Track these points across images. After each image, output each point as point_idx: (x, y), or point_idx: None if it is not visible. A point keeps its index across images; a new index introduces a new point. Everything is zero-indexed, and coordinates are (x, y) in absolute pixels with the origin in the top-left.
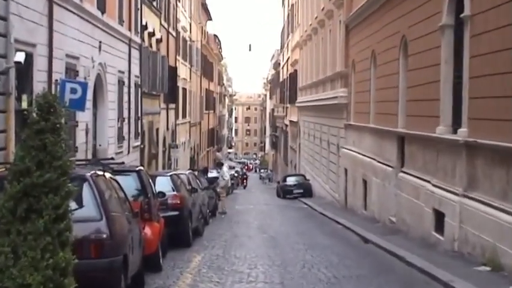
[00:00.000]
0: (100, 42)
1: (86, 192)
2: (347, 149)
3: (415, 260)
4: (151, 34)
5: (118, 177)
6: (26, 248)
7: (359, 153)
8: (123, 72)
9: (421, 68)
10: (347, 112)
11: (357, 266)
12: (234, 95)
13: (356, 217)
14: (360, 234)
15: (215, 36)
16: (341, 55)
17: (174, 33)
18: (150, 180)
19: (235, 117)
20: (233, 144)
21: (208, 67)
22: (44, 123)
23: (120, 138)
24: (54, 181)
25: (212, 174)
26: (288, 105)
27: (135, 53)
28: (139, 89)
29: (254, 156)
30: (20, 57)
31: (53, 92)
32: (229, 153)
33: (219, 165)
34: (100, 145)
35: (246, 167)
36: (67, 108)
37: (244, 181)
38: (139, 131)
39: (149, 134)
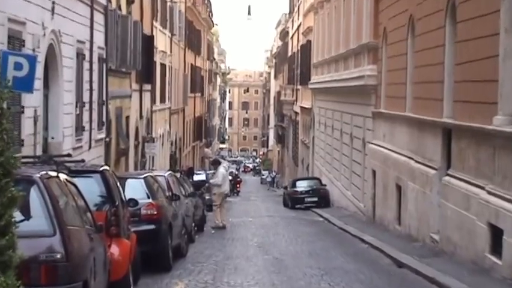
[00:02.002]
0: (53, 3)
1: (35, 198)
2: (376, 144)
3: None
4: None
5: (76, 180)
6: None
7: (391, 150)
8: (83, 43)
9: (474, 38)
10: (375, 96)
11: None
12: (228, 73)
13: (387, 234)
14: (392, 256)
15: None
16: (369, 22)
17: None
18: (118, 184)
19: (230, 103)
20: (226, 137)
21: (195, 37)
22: None
23: (79, 128)
24: None
25: (199, 176)
26: (299, 87)
27: (99, 18)
28: (104, 65)
29: (254, 153)
30: None
31: None
32: (221, 149)
33: (214, 163)
34: (52, 138)
35: (243, 168)
36: (9, 89)
37: (237, 186)
38: (104, 119)
39: (117, 124)
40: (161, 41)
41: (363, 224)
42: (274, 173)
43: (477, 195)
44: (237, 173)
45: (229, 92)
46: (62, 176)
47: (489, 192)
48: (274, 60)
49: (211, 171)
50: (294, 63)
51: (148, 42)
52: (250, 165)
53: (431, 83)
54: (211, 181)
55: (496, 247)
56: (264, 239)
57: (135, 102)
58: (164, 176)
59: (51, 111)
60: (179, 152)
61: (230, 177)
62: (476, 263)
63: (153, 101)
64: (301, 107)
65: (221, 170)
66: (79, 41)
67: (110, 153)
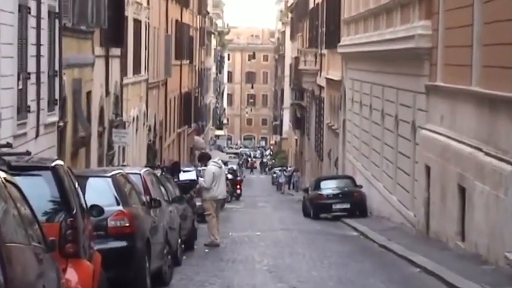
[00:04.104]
0: None
1: None
2: (431, 131)
3: None
4: None
5: (18, 180)
6: None
7: (451, 138)
8: None
9: None
10: (430, 65)
11: None
12: (227, 33)
13: (446, 253)
14: (454, 284)
15: None
16: None
17: None
18: (77, 185)
19: (229, 73)
20: (225, 121)
21: None
22: None
23: (22, 109)
24: None
25: (188, 174)
26: (325, 51)
27: None
28: (57, 22)
29: (262, 143)
30: None
31: None
32: (217, 137)
33: (202, 159)
34: None
35: (248, 163)
36: None
37: (237, 187)
38: (57, 96)
39: (75, 103)
40: None
41: (413, 239)
42: (290, 170)
43: None
44: (237, 169)
45: (229, 58)
46: (0, 174)
47: None
48: (290, 15)
49: (203, 168)
50: (317, 19)
51: None
52: (258, 159)
53: (507, 45)
54: (204, 177)
55: None
56: (276, 261)
57: (99, 73)
58: (140, 174)
59: None
60: (160, 141)
61: (229, 176)
62: None
63: (124, 71)
64: (327, 79)
65: (210, 167)
66: None
67: (66, 142)
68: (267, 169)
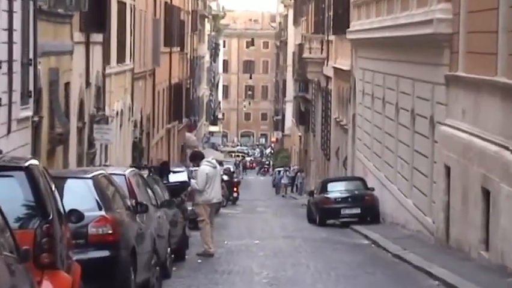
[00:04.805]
0: None
1: None
2: (451, 126)
3: None
4: None
5: None
6: None
7: (474, 135)
8: None
9: None
10: (450, 52)
11: None
12: (223, 17)
13: (468, 264)
14: None
15: None
16: None
17: None
18: (53, 188)
19: (225, 62)
20: (220, 116)
21: None
22: None
23: None
24: None
25: (178, 175)
26: (332, 37)
27: None
28: (32, 4)
29: (262, 140)
30: None
31: None
32: (211, 134)
33: (194, 159)
34: None
35: (246, 163)
36: None
37: (234, 190)
38: (31, 88)
39: (52, 95)
40: None
41: (430, 249)
42: (293, 171)
43: None
44: (233, 170)
45: (224, 45)
46: None
47: None
48: None
49: (196, 168)
50: (324, 2)
51: None
52: (257, 159)
53: None
54: (197, 178)
55: None
56: (277, 273)
57: (79, 62)
58: (124, 176)
59: None
60: (147, 138)
61: (225, 177)
62: None
63: (107, 60)
64: (335, 69)
65: (203, 168)
66: None
67: (41, 140)
68: (267, 170)
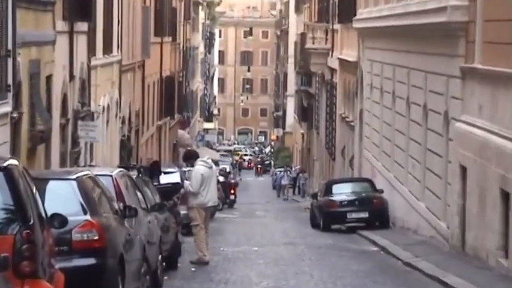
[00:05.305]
0: None
1: None
2: (467, 123)
3: None
4: None
5: None
6: None
7: (492, 132)
8: None
9: None
10: (466, 42)
11: None
12: (219, 4)
13: (486, 273)
14: None
15: None
16: None
17: None
18: (34, 190)
19: (221, 53)
20: (216, 112)
21: None
22: None
23: None
24: None
25: (170, 176)
26: (337, 26)
27: None
28: None
29: (261, 138)
30: None
31: None
32: (206, 131)
33: (187, 158)
34: None
35: (244, 163)
36: None
37: (232, 192)
38: (10, 82)
39: (32, 90)
40: None
41: (445, 256)
42: (295, 171)
43: None
44: (230, 170)
45: (220, 35)
46: None
47: None
48: None
49: (189, 168)
50: None
51: None
52: (255, 158)
53: None
54: (191, 180)
55: None
56: (278, 283)
57: (62, 53)
58: (112, 177)
59: None
60: (136, 136)
61: (221, 178)
62: None
63: (92, 51)
64: (340, 61)
65: (198, 168)
66: None
67: (21, 138)
68: (263, 168)
